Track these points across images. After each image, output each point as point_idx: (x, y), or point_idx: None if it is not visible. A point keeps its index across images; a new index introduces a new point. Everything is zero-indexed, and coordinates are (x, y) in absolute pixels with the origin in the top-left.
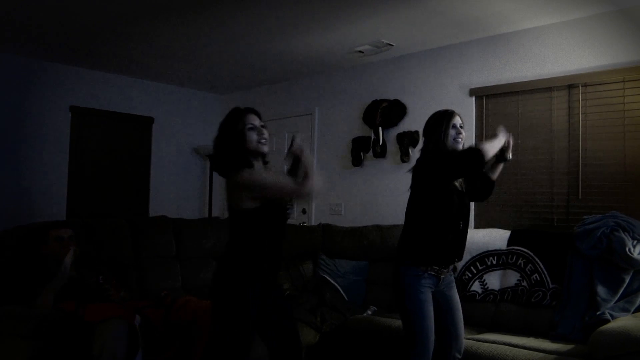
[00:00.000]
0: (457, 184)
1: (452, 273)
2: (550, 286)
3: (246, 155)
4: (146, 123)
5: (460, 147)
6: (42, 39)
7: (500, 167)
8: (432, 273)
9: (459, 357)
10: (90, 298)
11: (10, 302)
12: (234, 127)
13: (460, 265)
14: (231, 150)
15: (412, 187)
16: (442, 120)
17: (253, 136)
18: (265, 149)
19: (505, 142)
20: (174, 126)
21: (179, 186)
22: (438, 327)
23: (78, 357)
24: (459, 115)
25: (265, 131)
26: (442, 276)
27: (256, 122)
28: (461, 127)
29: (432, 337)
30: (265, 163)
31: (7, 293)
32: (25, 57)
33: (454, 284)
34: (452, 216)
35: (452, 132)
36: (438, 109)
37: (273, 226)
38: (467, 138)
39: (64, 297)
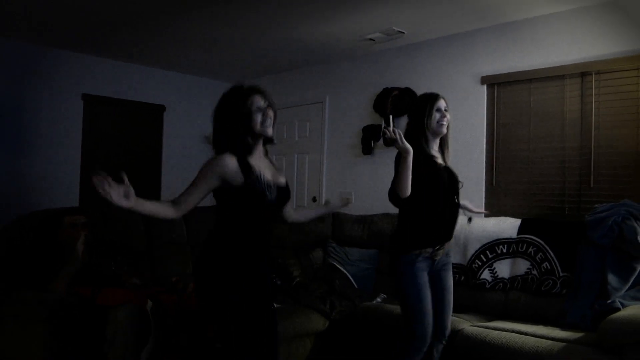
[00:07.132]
0: (439, 160)
1: (448, 255)
2: (561, 274)
3: (250, 137)
4: (158, 111)
5: (445, 130)
6: (55, 27)
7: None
8: (426, 255)
9: (443, 342)
10: (104, 284)
11: (26, 286)
12: (238, 108)
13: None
14: (235, 131)
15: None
16: (426, 103)
17: (258, 118)
18: (270, 131)
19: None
20: (186, 114)
21: (191, 174)
22: None
23: (92, 340)
24: (443, 99)
25: (270, 112)
26: (436, 258)
27: (261, 103)
28: (445, 110)
29: (431, 320)
30: (267, 142)
31: (23, 277)
32: (38, 45)
33: (450, 266)
34: (441, 194)
35: (436, 115)
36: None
37: (247, 216)
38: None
39: (79, 283)
